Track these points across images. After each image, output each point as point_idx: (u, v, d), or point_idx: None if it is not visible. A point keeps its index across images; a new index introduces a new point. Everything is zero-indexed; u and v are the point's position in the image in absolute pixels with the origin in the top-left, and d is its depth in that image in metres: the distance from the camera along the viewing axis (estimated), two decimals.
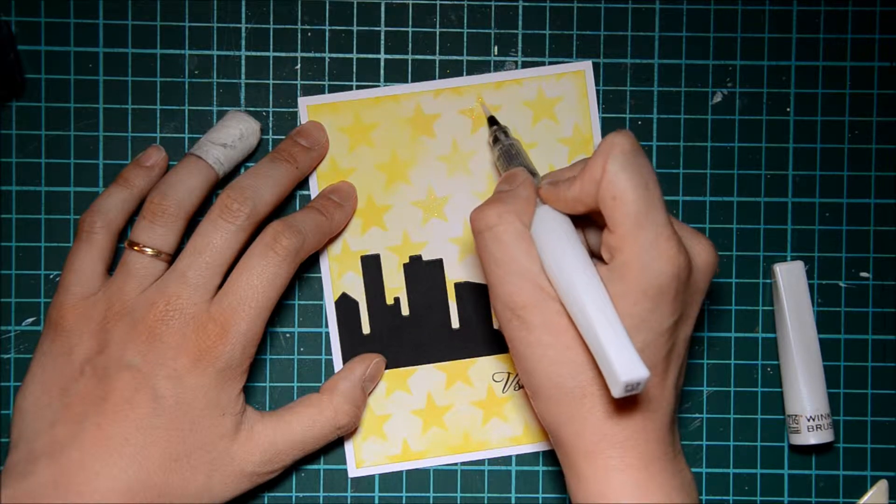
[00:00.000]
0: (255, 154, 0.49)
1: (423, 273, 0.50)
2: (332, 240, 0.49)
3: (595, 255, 0.42)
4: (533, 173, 0.44)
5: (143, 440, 0.42)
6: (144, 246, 0.44)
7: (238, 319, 0.43)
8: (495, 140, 0.47)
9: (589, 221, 0.42)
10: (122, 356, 0.42)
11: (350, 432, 0.49)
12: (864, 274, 0.50)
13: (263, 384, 0.49)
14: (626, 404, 0.39)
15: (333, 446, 0.49)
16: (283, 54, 0.49)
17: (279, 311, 0.49)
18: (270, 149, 0.49)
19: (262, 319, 0.43)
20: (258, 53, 0.49)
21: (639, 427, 0.39)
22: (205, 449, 0.43)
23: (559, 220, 0.41)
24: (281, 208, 0.49)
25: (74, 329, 0.44)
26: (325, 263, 0.49)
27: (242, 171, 0.49)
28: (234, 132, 0.47)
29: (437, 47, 0.50)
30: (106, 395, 0.42)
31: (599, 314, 0.37)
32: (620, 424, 0.39)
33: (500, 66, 0.50)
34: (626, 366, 0.36)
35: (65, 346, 0.43)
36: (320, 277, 0.49)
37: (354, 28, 0.49)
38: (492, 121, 0.48)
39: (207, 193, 0.46)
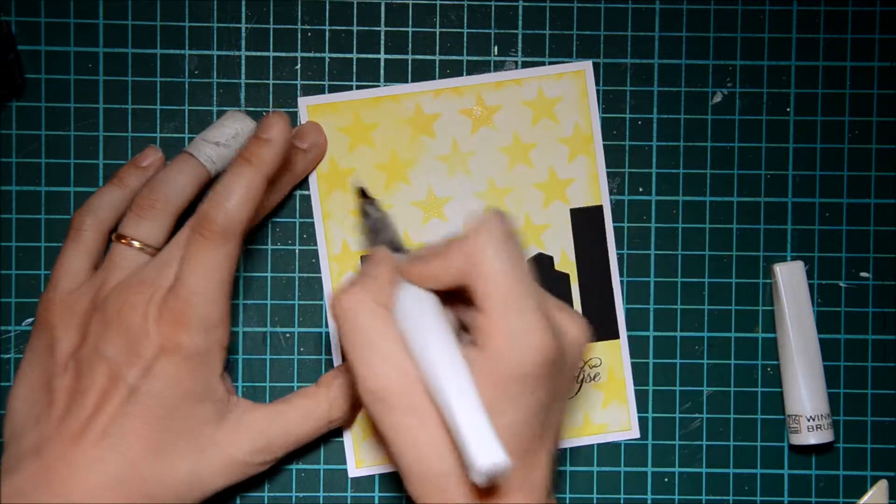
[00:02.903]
0: None
1: None
2: (331, 240, 0.49)
3: (467, 332, 0.41)
4: (398, 249, 0.43)
5: (121, 431, 0.42)
6: (131, 239, 0.44)
7: (191, 307, 0.42)
8: (364, 214, 0.47)
9: (459, 297, 0.41)
10: (97, 347, 0.42)
11: (342, 426, 0.48)
12: (864, 274, 0.50)
13: (263, 384, 0.49)
14: (500, 487, 0.39)
15: (333, 446, 0.49)
16: (283, 54, 0.49)
17: (279, 311, 0.49)
18: None
19: (216, 303, 0.43)
20: (258, 53, 0.49)
21: None
22: (189, 435, 0.43)
23: (422, 299, 0.40)
24: (280, 208, 0.49)
25: (59, 324, 0.44)
26: (324, 263, 0.49)
27: None
28: (229, 131, 0.47)
29: (437, 47, 0.50)
30: (85, 388, 0.42)
31: (460, 400, 0.36)
32: None
33: (500, 66, 0.50)
34: (485, 454, 0.35)
35: (49, 342, 0.44)
36: (320, 277, 0.49)
37: (354, 28, 0.50)
38: (361, 192, 0.48)
39: (198, 191, 0.46)
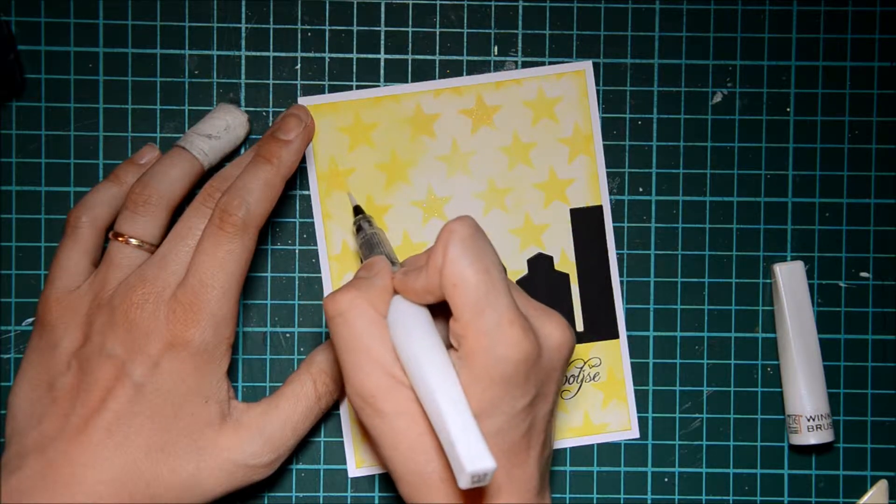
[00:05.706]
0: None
1: None
2: (331, 240, 0.49)
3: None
4: (393, 262, 0.44)
5: (125, 430, 0.42)
6: (128, 236, 0.44)
7: (203, 302, 0.42)
8: (358, 229, 0.47)
9: (448, 311, 0.41)
10: (103, 346, 0.42)
11: (332, 404, 0.47)
12: (864, 274, 0.50)
13: (263, 384, 0.49)
14: (487, 487, 0.39)
15: (333, 446, 0.49)
16: (283, 54, 0.49)
17: (279, 311, 0.49)
18: None
19: (228, 299, 0.43)
20: (258, 53, 0.49)
21: None
22: (191, 438, 0.43)
23: (413, 310, 0.40)
24: (279, 208, 0.49)
25: (59, 322, 0.44)
26: (324, 263, 0.49)
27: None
28: (221, 123, 0.47)
29: (437, 47, 0.50)
30: (89, 386, 0.42)
31: (448, 405, 0.37)
32: None
33: (500, 66, 0.50)
34: (472, 457, 0.36)
35: (51, 341, 0.44)
36: (320, 277, 0.49)
37: (354, 28, 0.50)
38: (357, 210, 0.48)
39: (192, 184, 0.46)
